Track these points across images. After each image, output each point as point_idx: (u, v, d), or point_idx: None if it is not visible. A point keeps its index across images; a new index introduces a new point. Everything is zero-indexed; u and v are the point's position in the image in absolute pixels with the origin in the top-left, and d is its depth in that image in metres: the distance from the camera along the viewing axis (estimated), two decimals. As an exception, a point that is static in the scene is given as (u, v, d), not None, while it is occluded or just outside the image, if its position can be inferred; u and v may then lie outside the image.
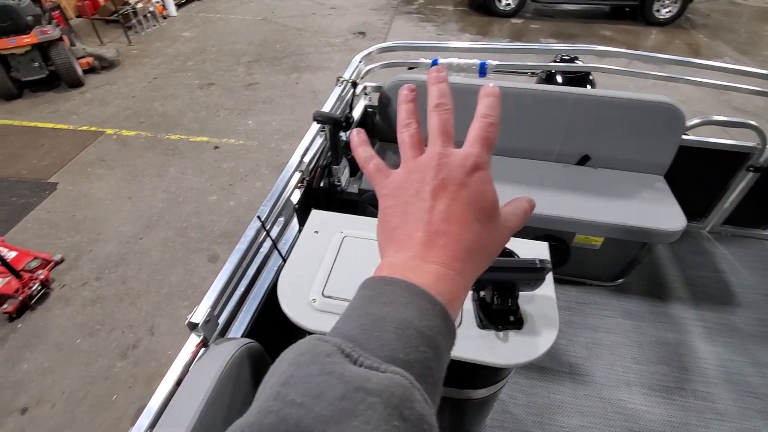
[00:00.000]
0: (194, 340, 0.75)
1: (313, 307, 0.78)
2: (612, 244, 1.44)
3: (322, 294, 0.79)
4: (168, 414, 0.64)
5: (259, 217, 0.90)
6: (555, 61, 1.88)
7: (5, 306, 1.89)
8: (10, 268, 1.90)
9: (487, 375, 0.84)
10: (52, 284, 2.07)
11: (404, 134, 0.29)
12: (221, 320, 0.80)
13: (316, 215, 0.97)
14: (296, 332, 0.74)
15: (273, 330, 0.90)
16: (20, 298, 1.90)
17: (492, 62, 1.54)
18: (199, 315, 0.74)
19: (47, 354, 1.82)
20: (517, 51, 2.09)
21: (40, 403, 1.68)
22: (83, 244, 2.32)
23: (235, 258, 0.84)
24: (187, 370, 0.71)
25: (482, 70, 1.52)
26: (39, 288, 1.97)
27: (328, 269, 0.84)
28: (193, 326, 0.74)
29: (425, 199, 0.26)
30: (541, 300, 0.81)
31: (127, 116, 3.48)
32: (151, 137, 3.23)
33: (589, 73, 1.92)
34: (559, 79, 1.90)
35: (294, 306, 0.78)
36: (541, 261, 0.72)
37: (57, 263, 2.15)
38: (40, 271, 2.02)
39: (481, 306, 0.76)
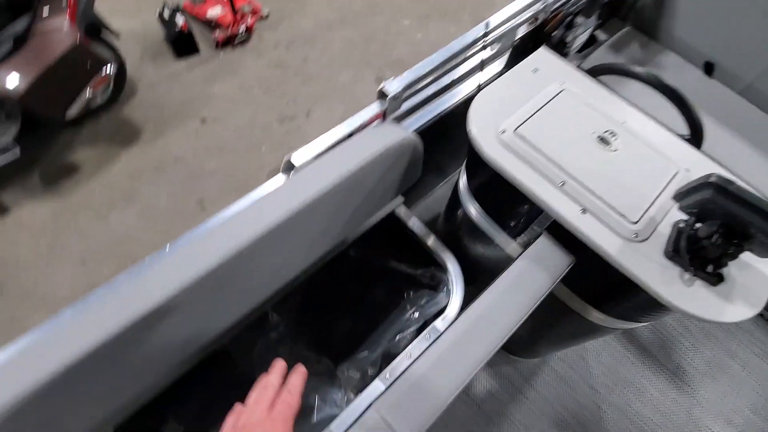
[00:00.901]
0: (376, 107, 0.75)
1: (498, 138, 0.70)
2: None
3: (514, 130, 0.70)
4: (322, 162, 0.67)
5: (487, 24, 0.79)
6: None
7: (217, 33, 2.16)
8: (231, 4, 2.11)
9: (625, 305, 0.73)
10: (253, 34, 2.29)
11: None
12: (404, 106, 0.77)
13: (544, 54, 0.82)
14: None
15: (441, 135, 0.85)
16: (229, 32, 2.15)
17: None
18: (392, 88, 0.72)
19: (232, 88, 2.11)
20: None
21: (215, 121, 2.02)
22: (287, 12, 2.46)
23: (445, 54, 0.78)
24: (360, 130, 0.73)
25: None
26: (244, 31, 2.20)
27: (531, 111, 0.73)
28: (382, 95, 0.73)
29: None
30: (757, 275, 0.63)
31: None
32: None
33: None
34: None
35: (480, 126, 0.71)
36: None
37: (263, 17, 2.34)
38: (249, 18, 2.23)
39: (689, 237, 0.62)
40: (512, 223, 0.80)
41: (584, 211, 0.66)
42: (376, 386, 0.80)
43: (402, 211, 1.01)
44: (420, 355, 0.60)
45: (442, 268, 0.98)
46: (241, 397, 0.91)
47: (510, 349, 1.19)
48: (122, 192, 1.88)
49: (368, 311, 1.01)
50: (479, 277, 1.03)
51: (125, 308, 0.52)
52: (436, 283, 0.98)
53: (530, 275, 0.66)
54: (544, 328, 0.97)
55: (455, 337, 0.61)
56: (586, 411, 1.16)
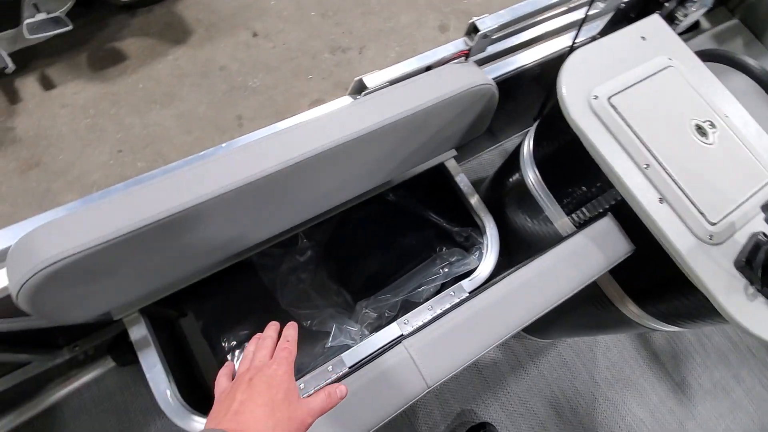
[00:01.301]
0: (460, 44, 0.69)
1: (589, 103, 0.65)
2: None
3: (608, 98, 0.64)
4: (395, 90, 0.63)
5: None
6: None
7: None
8: None
9: (671, 305, 0.70)
10: (322, -50, 2.14)
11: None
12: (491, 49, 0.71)
13: (656, 23, 0.74)
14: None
15: (508, 95, 0.79)
16: (298, -58, 2.00)
17: None
18: (486, 24, 0.66)
19: (289, 5, 2.01)
20: None
21: (266, 37, 1.94)
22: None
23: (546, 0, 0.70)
24: (439, 65, 0.68)
25: None
26: (313, -56, 2.05)
27: (630, 82, 0.66)
28: (474, 29, 0.66)
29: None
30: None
31: None
32: None
33: None
34: None
35: (572, 87, 0.65)
36: None
37: (334, -67, 2.17)
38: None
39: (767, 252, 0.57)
40: (571, 198, 0.76)
41: (662, 200, 0.61)
42: (393, 329, 0.80)
43: (451, 165, 0.97)
44: (456, 306, 0.59)
45: (480, 231, 0.96)
46: (257, 309, 0.94)
47: (522, 325, 1.19)
48: (164, 91, 1.86)
49: (396, 257, 1.00)
50: (513, 249, 1.00)
51: (176, 196, 0.51)
52: (470, 245, 0.96)
53: (586, 253, 0.63)
54: (568, 311, 0.95)
55: (496, 297, 0.59)
56: (582, 399, 1.17)
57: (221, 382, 0.47)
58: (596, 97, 0.65)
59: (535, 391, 1.16)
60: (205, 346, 0.92)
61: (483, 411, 1.12)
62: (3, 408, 0.91)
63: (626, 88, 0.66)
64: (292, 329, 0.49)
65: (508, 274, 0.62)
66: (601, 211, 0.70)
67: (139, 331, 0.75)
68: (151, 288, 0.71)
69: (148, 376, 0.72)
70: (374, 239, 1.02)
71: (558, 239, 0.81)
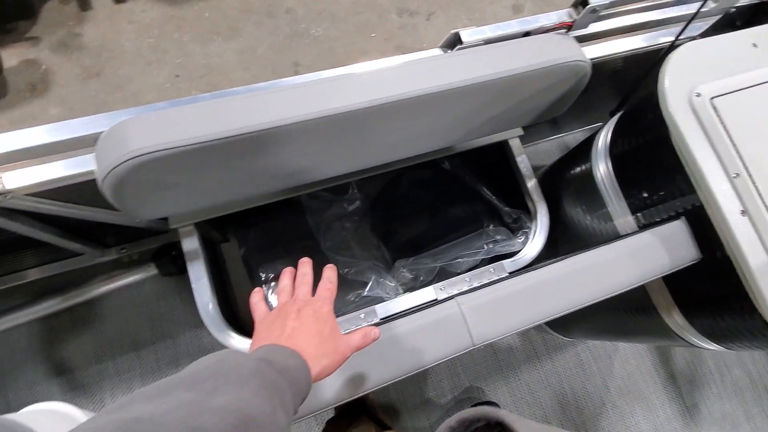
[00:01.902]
0: (564, 15, 0.66)
1: (689, 99, 0.61)
2: None
3: (711, 98, 0.61)
4: (489, 51, 0.61)
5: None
6: None
7: None
8: None
9: (724, 322, 0.69)
10: None
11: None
12: (594, 27, 0.68)
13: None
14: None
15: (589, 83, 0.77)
16: None
17: None
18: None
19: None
20: None
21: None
22: None
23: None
24: (537, 33, 0.65)
25: None
26: None
27: (739, 86, 0.63)
28: (584, 2, 0.63)
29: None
30: None
31: None
32: None
33: None
34: None
35: (674, 79, 0.62)
36: None
37: None
38: None
39: None
40: (640, 197, 0.74)
41: (744, 212, 0.59)
42: (428, 292, 0.81)
43: (515, 144, 0.96)
44: (512, 276, 0.59)
45: (530, 215, 0.94)
46: (298, 248, 0.96)
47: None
48: (229, 24, 1.86)
49: (441, 224, 1.00)
50: (560, 241, 0.99)
51: (262, 115, 0.52)
52: (518, 227, 0.95)
53: (651, 252, 0.62)
54: (600, 311, 0.95)
55: (554, 275, 0.59)
56: (590, 402, 1.18)
57: (260, 306, 0.50)
58: (698, 95, 0.62)
59: (545, 384, 1.17)
60: (243, 273, 0.95)
61: (491, 391, 1.14)
62: (51, 291, 0.97)
63: (731, 92, 0.62)
64: (332, 271, 0.51)
65: (568, 257, 0.61)
66: (672, 214, 0.68)
67: (191, 243, 0.78)
68: (211, 203, 0.73)
69: (193, 286, 0.75)
70: (422, 203, 1.02)
71: (614, 238, 0.80)
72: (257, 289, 0.53)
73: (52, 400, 0.95)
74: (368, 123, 0.60)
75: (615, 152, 0.78)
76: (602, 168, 0.80)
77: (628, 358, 1.23)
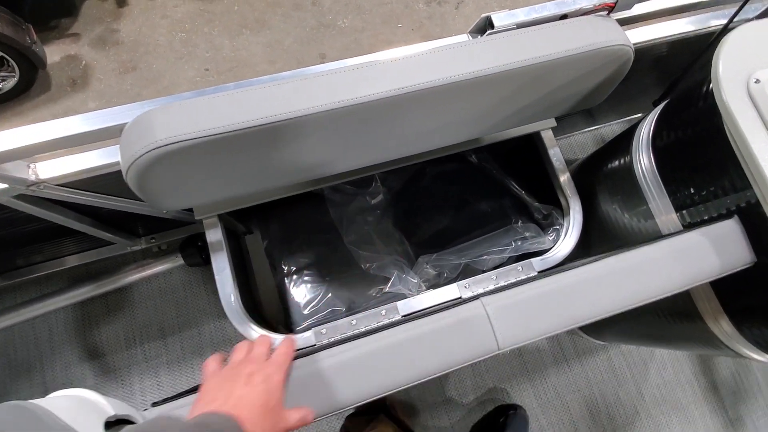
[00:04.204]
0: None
1: (747, 86, 0.56)
2: None
3: (771, 85, 0.55)
4: (523, 35, 0.57)
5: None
6: None
7: None
8: None
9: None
10: None
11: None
12: (638, 8, 0.63)
13: None
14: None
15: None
16: None
17: None
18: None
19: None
20: None
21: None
22: None
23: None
24: (575, 15, 0.61)
25: None
26: None
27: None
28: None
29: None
30: None
31: None
32: None
33: None
34: None
35: (731, 65, 0.56)
36: None
37: None
38: None
39: None
40: (686, 193, 0.68)
41: (808, 211, 0.53)
42: (452, 290, 0.79)
43: (548, 136, 0.91)
44: (541, 275, 0.56)
45: (562, 211, 0.90)
46: (320, 241, 0.96)
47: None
48: (256, 17, 1.87)
49: (466, 219, 0.96)
50: (593, 240, 0.93)
51: (288, 104, 0.50)
52: (548, 224, 0.90)
53: (700, 254, 0.57)
54: (637, 315, 0.89)
55: (588, 276, 0.55)
56: (622, 409, 1.12)
57: (210, 364, 0.48)
58: (757, 81, 0.56)
59: (574, 388, 1.12)
60: (266, 265, 0.96)
61: (516, 393, 1.10)
62: (86, 278, 1.01)
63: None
64: (291, 343, 0.50)
65: (606, 256, 0.57)
66: (723, 212, 0.62)
67: (215, 235, 0.78)
68: (234, 194, 0.73)
69: (217, 277, 0.75)
70: (447, 197, 0.99)
71: (656, 237, 0.74)
72: (216, 354, 0.51)
73: (84, 383, 0.99)
74: (394, 113, 0.58)
75: (659, 144, 0.73)
76: (644, 161, 0.74)
77: (666, 365, 1.16)
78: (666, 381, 1.15)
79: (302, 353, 0.50)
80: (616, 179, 0.84)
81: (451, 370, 0.52)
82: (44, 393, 1.00)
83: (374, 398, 0.50)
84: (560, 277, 0.56)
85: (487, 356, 0.52)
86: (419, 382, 0.51)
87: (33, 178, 0.63)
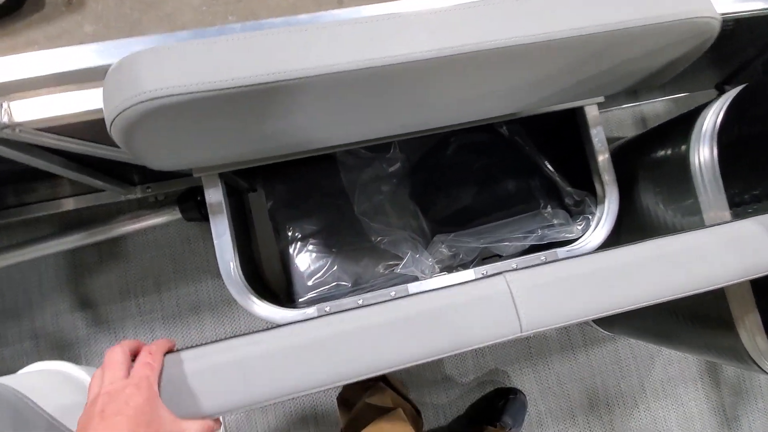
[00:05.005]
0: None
1: None
2: None
3: None
4: None
5: None
6: None
7: None
8: None
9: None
10: None
11: None
12: None
13: None
14: None
15: None
16: None
17: None
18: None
19: None
20: None
21: None
22: None
23: None
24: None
25: None
26: None
27: None
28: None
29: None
30: None
31: None
32: None
33: None
34: None
35: None
36: None
37: None
38: None
39: None
40: (748, 191, 0.61)
41: None
42: (468, 275, 0.73)
43: (592, 113, 0.80)
44: (571, 257, 0.50)
45: (595, 198, 0.82)
46: (329, 207, 0.89)
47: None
48: (271, -57, 1.67)
49: (490, 199, 0.89)
50: (623, 230, 0.86)
51: (307, 58, 0.41)
52: (578, 211, 0.83)
53: (757, 244, 0.50)
54: (660, 312, 0.84)
55: (627, 260, 0.49)
56: (622, 401, 1.11)
57: (93, 383, 0.39)
58: None
59: (577, 377, 1.10)
60: (269, 229, 0.89)
61: (517, 377, 1.09)
62: (77, 225, 0.95)
63: None
64: (164, 342, 0.41)
65: (644, 241, 0.50)
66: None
67: (215, 195, 0.71)
68: (237, 154, 0.65)
69: (216, 242, 0.69)
70: (471, 172, 0.90)
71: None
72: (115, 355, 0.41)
73: (76, 332, 0.97)
74: (427, 78, 0.48)
75: (727, 137, 0.63)
76: (704, 154, 0.65)
77: (672, 362, 1.13)
78: (670, 377, 1.13)
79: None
80: (663, 168, 0.75)
81: (466, 350, 0.47)
82: (34, 341, 0.99)
83: (378, 374, 0.46)
84: (594, 258, 0.49)
85: (507, 338, 0.46)
86: (431, 360, 0.46)
87: (6, 119, 0.55)
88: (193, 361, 0.42)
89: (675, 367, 1.13)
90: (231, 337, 0.43)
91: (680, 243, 0.50)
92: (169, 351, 0.42)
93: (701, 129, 0.67)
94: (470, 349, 0.46)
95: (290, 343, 0.43)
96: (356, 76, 0.43)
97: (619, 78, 0.62)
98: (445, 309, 0.45)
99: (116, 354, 0.39)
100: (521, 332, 0.46)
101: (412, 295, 0.47)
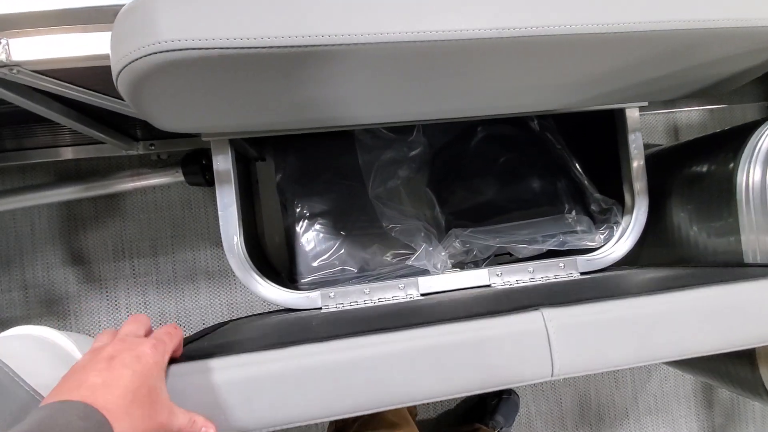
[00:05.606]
0: None
1: None
2: None
3: None
4: None
5: None
6: None
7: None
8: None
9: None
10: None
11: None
12: None
13: None
14: None
15: None
16: None
17: None
18: None
19: None
20: None
21: None
22: None
23: None
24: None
25: None
26: None
27: None
28: None
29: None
30: None
31: None
32: None
33: None
34: None
35: None
36: None
37: None
38: None
39: None
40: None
41: None
42: (481, 275, 0.70)
43: (633, 116, 0.75)
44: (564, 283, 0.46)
45: (622, 207, 0.78)
46: (342, 186, 0.84)
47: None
48: None
49: (513, 196, 0.84)
50: (646, 244, 0.83)
51: (356, 21, 0.36)
52: (603, 219, 0.79)
53: None
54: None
55: (680, 307, 0.45)
56: (613, 411, 1.10)
57: (102, 337, 0.37)
58: None
59: (571, 384, 1.09)
60: (276, 202, 0.85)
61: (511, 377, 1.07)
62: (75, 176, 0.90)
63: None
64: (175, 327, 0.40)
65: (695, 286, 0.46)
66: None
67: (224, 163, 0.66)
68: (253, 122, 0.60)
69: (220, 213, 0.65)
70: (495, 165, 0.85)
71: (728, 260, 0.64)
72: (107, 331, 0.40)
73: (67, 287, 0.93)
74: (475, 61, 0.43)
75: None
76: (755, 175, 0.61)
77: (668, 378, 1.12)
78: (665, 392, 1.12)
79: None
80: (703, 182, 0.71)
81: (484, 391, 0.44)
82: (23, 291, 0.96)
83: (384, 409, 0.42)
84: (638, 302, 0.46)
85: (534, 381, 0.43)
86: (450, 397, 0.43)
87: (4, 57, 0.49)
88: (198, 374, 0.37)
89: (671, 382, 1.12)
90: (240, 353, 0.39)
91: (735, 293, 0.46)
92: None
93: (754, 147, 0.62)
94: (488, 390, 0.42)
95: (303, 364, 0.39)
96: (403, 49, 0.38)
97: (680, 84, 0.57)
98: (476, 342, 0.42)
99: (140, 316, 0.39)
100: (551, 376, 0.42)
101: (418, 301, 0.43)
